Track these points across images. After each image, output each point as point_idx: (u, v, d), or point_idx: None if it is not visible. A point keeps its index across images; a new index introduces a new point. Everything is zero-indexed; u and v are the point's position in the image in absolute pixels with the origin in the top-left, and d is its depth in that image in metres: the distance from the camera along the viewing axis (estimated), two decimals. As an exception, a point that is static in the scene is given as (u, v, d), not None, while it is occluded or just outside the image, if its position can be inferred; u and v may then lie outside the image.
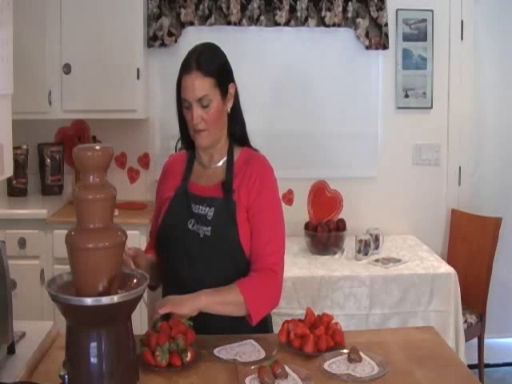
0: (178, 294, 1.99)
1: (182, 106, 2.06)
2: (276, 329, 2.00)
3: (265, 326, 2.13)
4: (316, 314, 2.00)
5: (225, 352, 1.87)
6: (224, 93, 2.05)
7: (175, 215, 2.09)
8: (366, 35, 3.99)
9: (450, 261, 3.78)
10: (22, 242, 3.52)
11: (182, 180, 2.13)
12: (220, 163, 2.12)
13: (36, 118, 3.74)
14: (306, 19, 3.95)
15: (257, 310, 1.98)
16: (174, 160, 2.28)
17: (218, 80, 2.02)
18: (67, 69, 3.70)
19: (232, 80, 2.09)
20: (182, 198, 2.10)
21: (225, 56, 2.11)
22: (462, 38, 4.14)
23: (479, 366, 3.78)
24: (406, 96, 4.13)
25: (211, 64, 2.03)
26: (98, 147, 1.55)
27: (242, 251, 2.04)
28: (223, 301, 1.96)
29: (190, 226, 2.05)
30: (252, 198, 2.06)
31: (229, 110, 2.09)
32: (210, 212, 2.04)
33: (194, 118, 2.00)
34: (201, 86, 1.99)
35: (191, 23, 3.91)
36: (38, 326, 2.00)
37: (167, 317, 1.91)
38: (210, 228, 2.02)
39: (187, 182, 2.12)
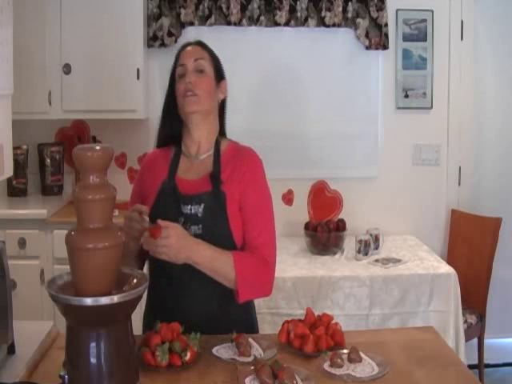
0: (166, 291, 2.03)
1: (172, 95, 2.11)
2: (276, 329, 2.00)
3: (251, 326, 2.14)
4: (316, 314, 2.00)
5: (223, 351, 1.87)
6: (218, 78, 2.13)
7: (163, 213, 2.01)
8: (366, 35, 3.99)
9: (449, 261, 3.79)
10: (22, 242, 3.52)
11: (169, 173, 2.08)
12: (207, 154, 2.11)
13: (36, 118, 3.75)
14: (306, 19, 3.95)
15: (245, 291, 1.98)
16: (156, 154, 2.21)
17: (213, 60, 2.13)
18: (67, 69, 3.71)
19: (224, 77, 2.17)
20: (170, 196, 2.05)
21: None
22: (461, 38, 4.14)
23: (479, 366, 3.78)
24: (406, 96, 4.13)
25: (211, 49, 2.16)
26: (98, 147, 1.54)
27: (234, 244, 2.02)
28: (214, 269, 1.95)
29: (180, 225, 1.99)
30: (243, 190, 2.04)
31: (219, 100, 2.15)
32: (200, 209, 2.01)
33: (187, 78, 2.06)
34: (199, 51, 2.12)
35: (191, 23, 3.91)
36: (38, 325, 2.00)
37: (169, 321, 1.90)
38: (201, 226, 2.00)
39: (174, 177, 2.08)
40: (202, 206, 2.01)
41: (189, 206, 2.03)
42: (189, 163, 2.12)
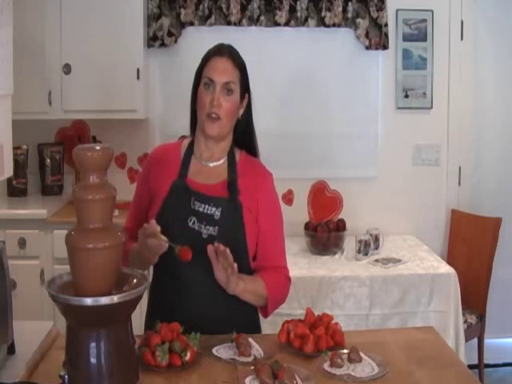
0: (169, 293, 2.02)
1: (196, 92, 2.05)
2: (276, 329, 2.00)
3: (255, 327, 2.15)
4: (316, 314, 2.00)
5: (223, 351, 1.87)
6: (242, 95, 2.08)
7: (173, 211, 2.01)
8: (366, 35, 3.99)
9: (449, 261, 3.79)
10: (22, 242, 3.52)
11: (179, 174, 2.06)
12: (220, 162, 2.10)
13: (36, 118, 3.74)
14: (306, 19, 3.95)
15: (272, 308, 2.09)
16: (167, 149, 2.18)
17: (242, 77, 2.07)
18: (67, 69, 3.71)
19: (249, 90, 2.12)
20: (180, 194, 2.03)
21: None
22: (461, 38, 4.14)
23: (479, 366, 3.78)
24: (406, 96, 4.13)
25: (241, 61, 2.09)
26: (98, 147, 1.54)
27: (247, 253, 2.04)
28: (253, 291, 2.02)
29: (190, 224, 2.01)
30: (257, 203, 2.06)
31: (240, 116, 2.10)
32: (217, 212, 2.00)
33: (215, 99, 1.99)
34: (231, 72, 2.04)
35: (191, 23, 3.91)
36: (38, 325, 2.00)
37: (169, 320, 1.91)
38: (218, 228, 1.99)
39: (185, 177, 2.06)
40: (220, 209, 2.01)
41: (205, 206, 2.01)
42: (199, 166, 2.10)
